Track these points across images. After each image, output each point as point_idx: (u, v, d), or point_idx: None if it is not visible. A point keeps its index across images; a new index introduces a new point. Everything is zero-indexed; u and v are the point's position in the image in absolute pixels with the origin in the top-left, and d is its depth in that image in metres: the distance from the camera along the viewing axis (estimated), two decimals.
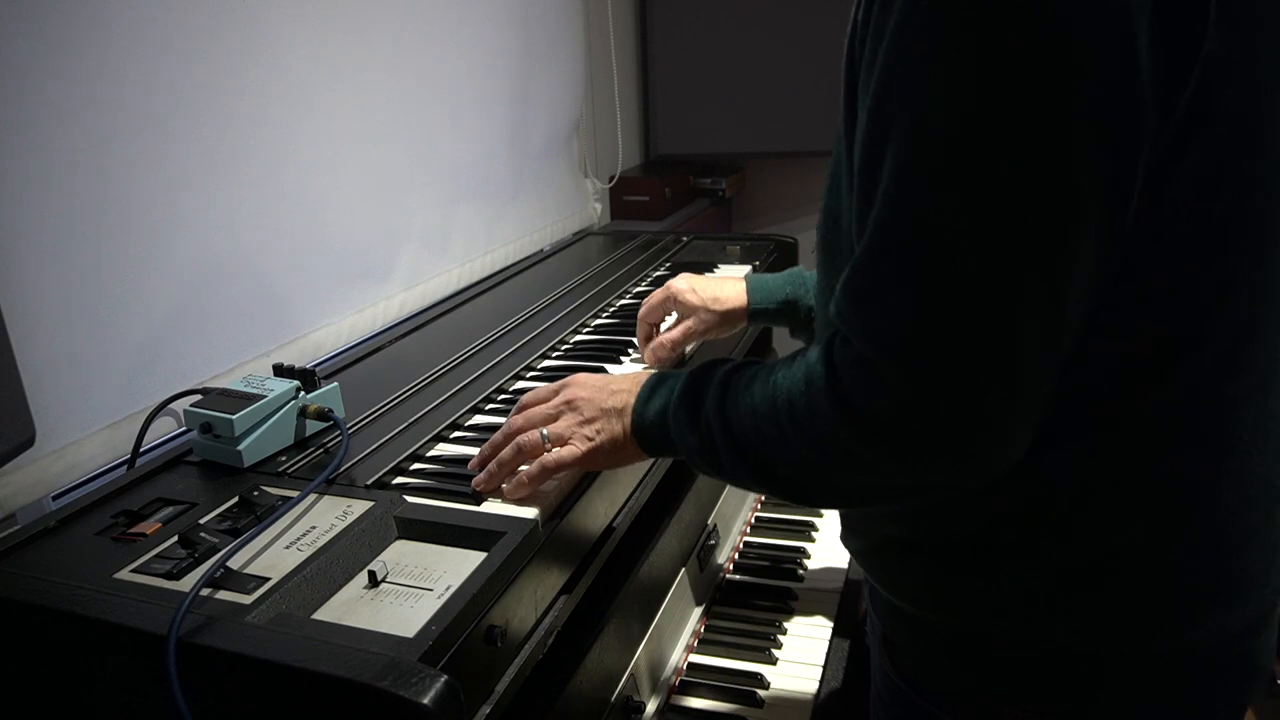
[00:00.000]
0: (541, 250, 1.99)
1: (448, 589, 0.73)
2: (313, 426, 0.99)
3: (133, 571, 0.75)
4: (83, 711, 0.73)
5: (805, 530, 1.56)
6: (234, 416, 0.91)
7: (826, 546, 1.53)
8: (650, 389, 0.83)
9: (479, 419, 1.07)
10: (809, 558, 1.49)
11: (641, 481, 1.08)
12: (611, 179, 2.39)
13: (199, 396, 0.99)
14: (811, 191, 2.09)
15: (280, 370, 1.01)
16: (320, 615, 0.71)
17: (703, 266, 1.69)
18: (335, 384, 1.02)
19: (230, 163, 1.17)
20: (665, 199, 2.41)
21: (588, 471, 0.92)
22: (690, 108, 2.67)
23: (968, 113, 0.56)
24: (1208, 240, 0.61)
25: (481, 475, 0.86)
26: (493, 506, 0.85)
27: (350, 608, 0.72)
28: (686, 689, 1.19)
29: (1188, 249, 0.61)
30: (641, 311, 1.19)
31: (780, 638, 1.29)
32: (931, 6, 0.56)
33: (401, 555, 0.79)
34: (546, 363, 1.24)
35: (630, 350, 1.25)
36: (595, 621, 1.00)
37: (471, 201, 1.73)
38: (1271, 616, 0.74)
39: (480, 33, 1.71)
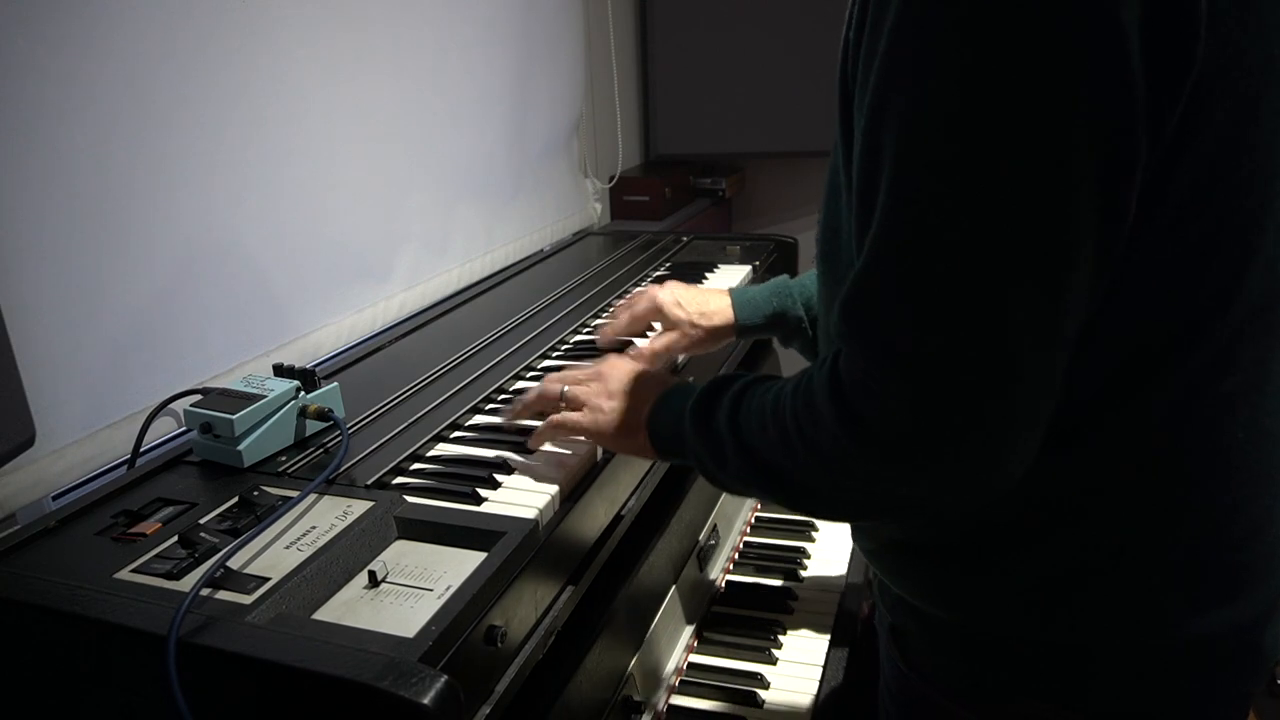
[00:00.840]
0: (541, 250, 1.99)
1: (448, 589, 0.73)
2: (313, 426, 0.99)
3: (133, 571, 0.75)
4: (83, 711, 0.73)
5: (805, 530, 1.56)
6: (234, 416, 0.91)
7: (826, 546, 1.53)
8: (674, 389, 0.84)
9: (479, 419, 1.07)
10: (809, 558, 1.49)
11: (642, 481, 1.08)
12: (611, 179, 2.39)
13: (199, 396, 0.99)
14: (811, 192, 2.08)
15: (280, 370, 1.01)
16: (320, 615, 0.71)
17: (703, 266, 1.69)
18: (335, 384, 1.02)
19: (230, 163, 1.17)
20: (665, 199, 2.41)
21: (599, 447, 0.96)
22: (690, 108, 2.67)
23: (963, 126, 0.56)
24: (1201, 244, 0.61)
25: (507, 409, 0.98)
26: (493, 507, 0.85)
27: (350, 608, 0.72)
28: (686, 689, 1.19)
29: (1182, 253, 0.61)
30: (622, 321, 1.18)
31: (780, 638, 1.29)
32: (924, 22, 0.56)
33: (401, 555, 0.79)
34: (546, 363, 1.24)
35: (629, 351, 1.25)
36: (595, 621, 1.00)
37: (471, 201, 1.73)
38: (1277, 607, 0.74)
39: (480, 33, 1.71)
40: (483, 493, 0.87)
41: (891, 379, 0.60)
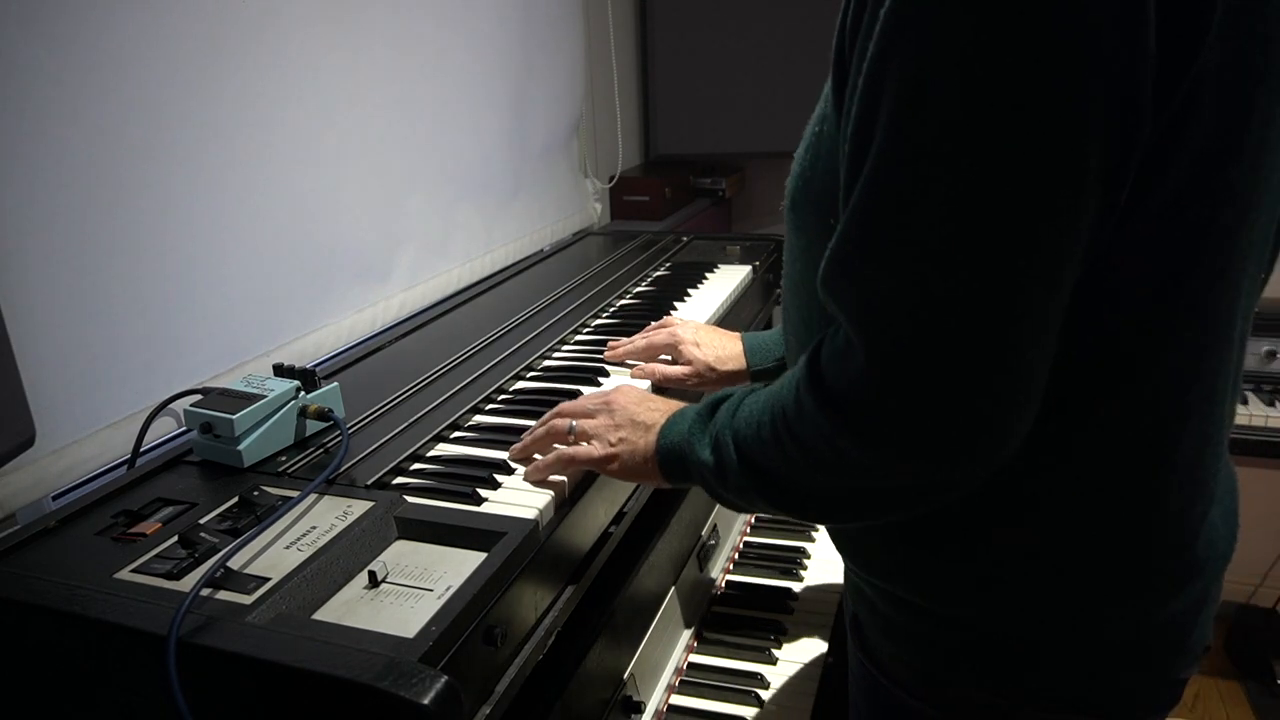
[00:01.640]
0: (541, 250, 1.99)
1: (448, 589, 0.73)
2: (313, 426, 0.99)
3: (133, 571, 0.75)
4: (82, 711, 0.73)
5: (805, 530, 1.56)
6: (234, 416, 0.91)
7: (826, 546, 1.53)
8: (680, 413, 0.84)
9: (479, 419, 1.08)
10: (809, 558, 1.49)
11: None
12: (611, 179, 2.39)
13: (199, 396, 0.99)
14: None
15: (280, 370, 1.01)
16: (320, 615, 0.71)
17: (703, 266, 1.69)
18: (335, 384, 1.02)
19: (230, 163, 1.17)
20: (665, 199, 2.41)
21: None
22: (690, 108, 2.67)
23: (968, 96, 0.54)
24: (1180, 251, 0.61)
25: (516, 445, 0.94)
26: (493, 507, 0.85)
27: (350, 608, 0.72)
28: (686, 689, 1.19)
29: (1161, 259, 0.61)
30: (638, 345, 1.18)
31: (780, 638, 1.29)
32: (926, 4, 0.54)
33: (401, 555, 0.79)
34: (547, 363, 1.24)
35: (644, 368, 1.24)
36: (595, 621, 1.00)
37: (471, 201, 1.73)
38: (1208, 600, 0.76)
39: (480, 33, 1.71)
40: (483, 493, 0.87)
41: (869, 343, 0.59)
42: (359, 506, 0.83)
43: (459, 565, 0.77)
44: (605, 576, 0.99)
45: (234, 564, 0.74)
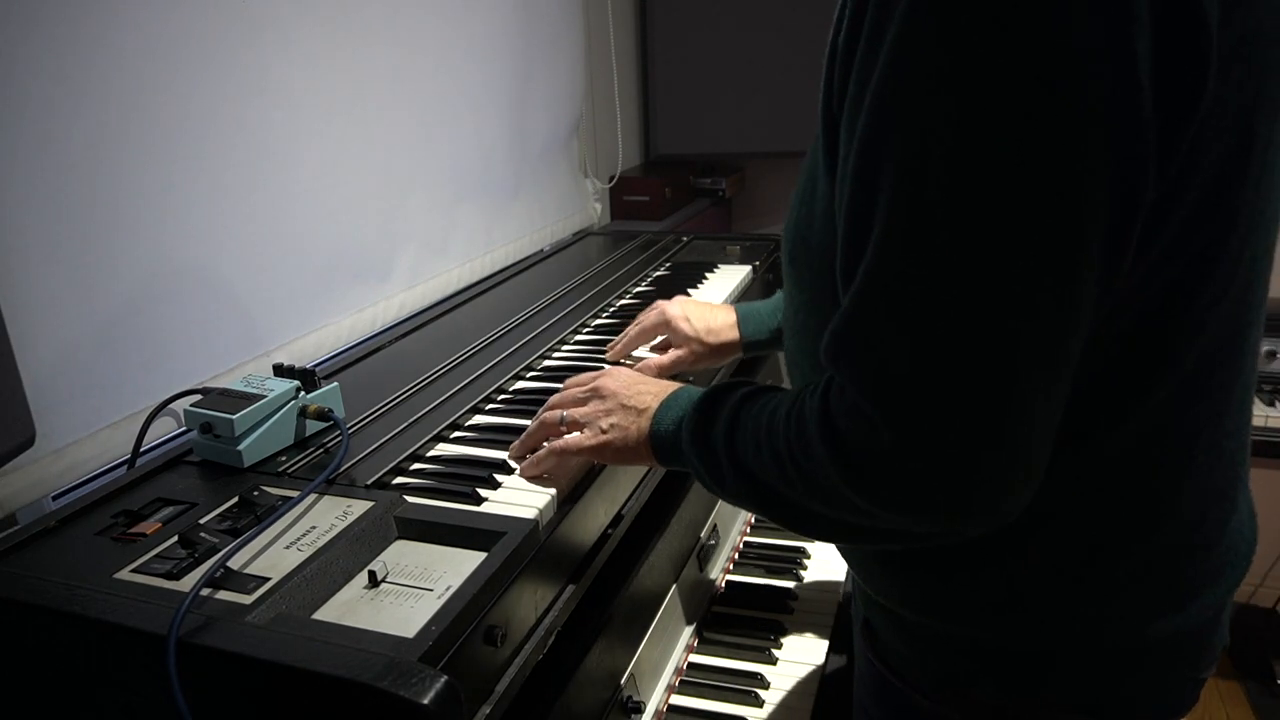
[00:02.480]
0: (541, 250, 1.99)
1: (448, 589, 0.73)
2: (313, 426, 0.99)
3: (133, 571, 0.75)
4: (82, 711, 0.73)
5: None
6: (234, 416, 0.91)
7: (827, 546, 1.53)
8: (673, 397, 0.84)
9: (479, 419, 1.07)
10: (809, 558, 1.49)
11: (641, 481, 1.08)
12: (611, 179, 2.39)
13: (199, 396, 0.99)
14: None
15: (280, 370, 1.01)
16: (320, 615, 0.71)
17: (703, 266, 1.69)
18: (335, 384, 1.02)
19: (230, 163, 1.17)
20: (665, 199, 2.41)
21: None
22: (690, 108, 2.67)
23: (971, 158, 0.53)
24: (1186, 274, 0.61)
25: (515, 444, 0.94)
26: (492, 507, 0.85)
27: (350, 608, 0.72)
28: (686, 689, 1.19)
29: (1167, 282, 0.61)
30: (631, 334, 1.19)
31: (780, 638, 1.29)
32: (929, 43, 0.53)
33: (401, 555, 0.79)
34: (547, 363, 1.24)
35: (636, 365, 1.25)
36: (595, 621, 1.00)
37: (471, 201, 1.73)
38: (1223, 609, 0.76)
39: (481, 33, 1.71)
40: (483, 493, 0.87)
41: (884, 416, 0.58)
42: (359, 506, 0.83)
43: (459, 565, 0.77)
44: (605, 576, 0.99)
45: (234, 564, 0.74)
